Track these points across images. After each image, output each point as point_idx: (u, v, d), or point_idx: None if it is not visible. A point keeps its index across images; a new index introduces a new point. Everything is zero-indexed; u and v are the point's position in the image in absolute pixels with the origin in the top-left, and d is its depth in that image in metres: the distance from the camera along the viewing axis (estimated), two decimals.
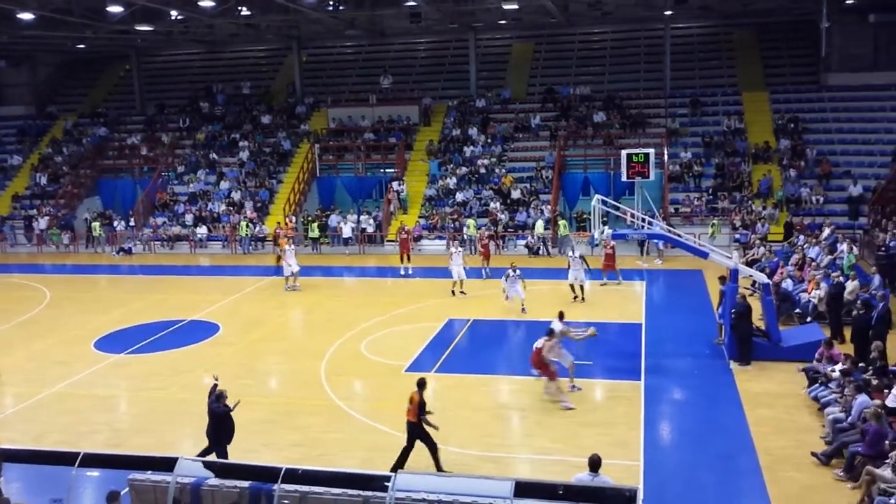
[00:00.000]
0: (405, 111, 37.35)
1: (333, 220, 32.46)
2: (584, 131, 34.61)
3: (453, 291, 23.04)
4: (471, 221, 30.62)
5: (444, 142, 35.92)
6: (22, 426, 14.51)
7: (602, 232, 18.83)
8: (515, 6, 31.26)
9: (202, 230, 33.13)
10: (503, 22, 37.37)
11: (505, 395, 15.25)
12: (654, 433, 12.91)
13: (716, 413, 13.67)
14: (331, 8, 31.28)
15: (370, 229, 32.05)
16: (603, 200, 19.58)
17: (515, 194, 32.18)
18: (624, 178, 28.63)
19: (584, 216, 29.08)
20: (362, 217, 32.61)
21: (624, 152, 28.52)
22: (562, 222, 29.54)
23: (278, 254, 27.56)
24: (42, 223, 34.47)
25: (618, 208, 21.63)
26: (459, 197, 32.82)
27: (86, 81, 44.39)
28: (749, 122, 33.79)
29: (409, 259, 26.80)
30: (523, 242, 29.93)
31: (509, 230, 30.73)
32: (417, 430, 11.51)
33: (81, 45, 38.72)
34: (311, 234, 31.63)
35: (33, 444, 12.93)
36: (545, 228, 29.62)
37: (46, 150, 39.14)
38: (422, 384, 11.76)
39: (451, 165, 34.37)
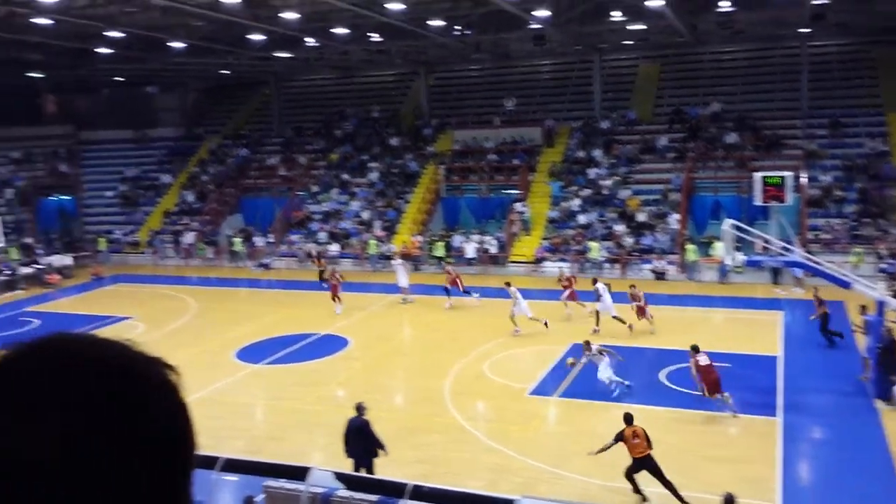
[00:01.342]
0: (528, 133, 37.58)
1: (457, 240, 33.02)
2: (715, 153, 33.57)
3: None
4: (594, 244, 30.32)
5: (567, 163, 35.82)
6: None
7: (734, 258, 18.23)
8: (642, 27, 30.87)
9: (334, 247, 34.51)
10: (629, 42, 36.94)
11: None
12: (791, 472, 12.37)
13: (859, 454, 12.93)
14: (457, 33, 32.05)
15: (493, 250, 32.36)
16: (735, 225, 18.96)
17: (641, 217, 31.61)
18: (758, 202, 27.50)
19: (714, 241, 28.17)
20: (485, 238, 32.98)
21: (758, 175, 27.39)
22: (690, 247, 28.72)
23: (321, 269, 30.17)
24: (189, 238, 36.99)
25: (750, 233, 20.87)
26: (582, 219, 32.59)
27: (230, 105, 47.35)
28: (895, 144, 31.71)
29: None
30: (649, 267, 29.31)
31: (634, 254, 30.19)
32: (650, 462, 11.47)
33: (226, 71, 41.41)
34: (435, 253, 32.30)
35: None
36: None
37: (194, 169, 41.99)
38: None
39: (575, 187, 34.21)
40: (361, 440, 12.14)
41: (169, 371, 0.93)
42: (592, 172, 34.68)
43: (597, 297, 21.40)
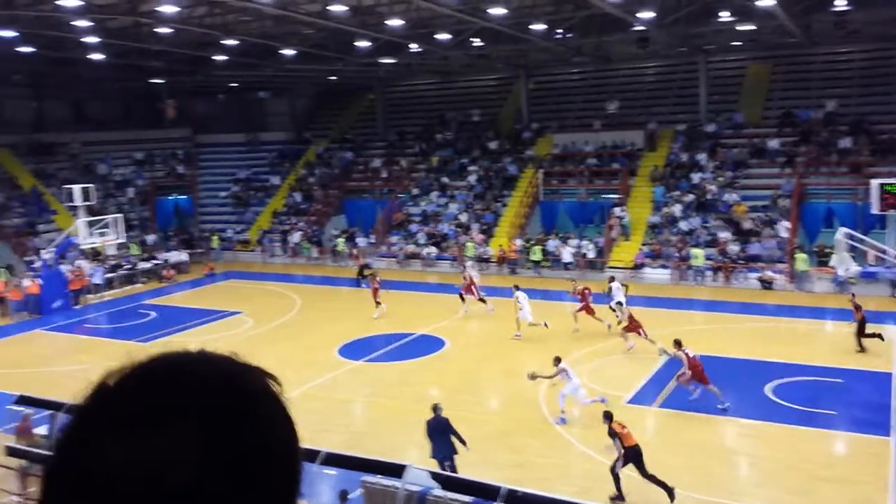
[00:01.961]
0: (630, 136, 36.98)
1: (551, 244, 32.88)
2: (828, 158, 32.05)
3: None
4: (698, 251, 29.55)
5: (669, 167, 35.04)
6: None
7: (847, 269, 17.45)
8: (752, 27, 29.85)
9: (432, 249, 35.06)
10: (737, 43, 35.75)
11: (733, 438, 14.62)
12: None
13: None
14: (559, 37, 31.93)
15: (591, 255, 32.05)
16: (849, 234, 18.13)
17: (747, 224, 30.55)
18: (874, 210, 26.14)
19: (827, 250, 26.92)
20: (583, 242, 32.70)
21: (875, 182, 26.07)
22: (800, 256, 27.55)
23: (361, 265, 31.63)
24: (295, 237, 38.42)
25: (865, 243, 19.88)
26: (684, 225, 31.80)
27: (336, 110, 48.81)
28: None
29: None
30: (755, 276, 28.28)
31: (739, 262, 29.21)
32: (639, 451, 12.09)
33: (333, 77, 42.74)
34: (532, 258, 32.29)
35: None
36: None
37: (301, 171, 43.56)
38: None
39: (677, 192, 33.42)
40: (445, 439, 12.56)
41: (270, 380, 0.96)
42: (696, 177, 33.79)
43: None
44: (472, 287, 25.39)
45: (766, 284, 27.58)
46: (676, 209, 32.60)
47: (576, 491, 12.05)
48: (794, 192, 30.83)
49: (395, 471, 10.21)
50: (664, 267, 30.01)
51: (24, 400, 15.27)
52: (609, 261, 31.71)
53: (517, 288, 22.12)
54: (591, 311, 22.45)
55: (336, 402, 17.39)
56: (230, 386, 0.91)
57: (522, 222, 35.61)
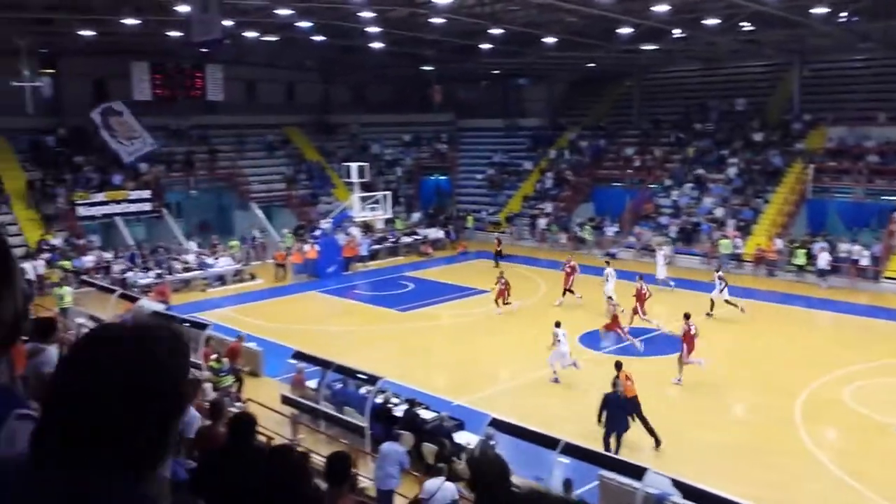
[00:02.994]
0: None
1: (817, 247, 30.25)
2: None
3: None
4: None
5: None
6: (512, 401, 17.11)
7: None
8: None
9: (667, 248, 33.84)
10: None
11: None
12: None
13: None
14: (842, 20, 29.05)
15: (864, 262, 29.08)
16: None
17: None
18: None
19: None
20: (855, 247, 29.72)
21: None
22: None
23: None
24: (542, 222, 39.22)
25: None
26: None
27: (591, 97, 48.66)
28: None
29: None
30: None
31: None
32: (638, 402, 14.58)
33: (591, 64, 42.65)
34: (795, 261, 30.04)
35: (519, 419, 14.24)
36: None
37: (553, 157, 44.20)
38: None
39: None
40: (621, 414, 13.95)
41: (173, 338, 1.43)
42: None
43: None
44: (504, 292, 24.97)
45: None
46: None
47: None
48: None
49: (635, 472, 10.38)
50: None
51: (299, 355, 17.55)
52: (886, 270, 28.59)
53: (558, 325, 19.89)
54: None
55: (574, 390, 17.75)
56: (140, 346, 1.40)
57: (785, 221, 33.19)
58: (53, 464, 1.32)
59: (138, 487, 1.36)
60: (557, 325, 19.05)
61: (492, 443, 12.48)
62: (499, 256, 33.40)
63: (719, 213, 34.89)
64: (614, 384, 14.29)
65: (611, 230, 36.89)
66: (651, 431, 14.42)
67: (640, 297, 23.29)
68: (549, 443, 11.96)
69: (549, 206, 40.34)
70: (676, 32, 32.15)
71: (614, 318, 21.67)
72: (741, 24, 30.49)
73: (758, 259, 31.36)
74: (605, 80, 47.48)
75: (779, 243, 31.34)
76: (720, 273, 25.71)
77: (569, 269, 26.90)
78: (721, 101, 41.89)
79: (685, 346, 18.39)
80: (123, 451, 1.34)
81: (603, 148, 43.00)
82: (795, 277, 29.63)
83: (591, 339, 21.86)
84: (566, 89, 49.91)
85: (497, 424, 12.67)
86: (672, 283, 28.53)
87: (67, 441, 1.33)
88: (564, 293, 26.60)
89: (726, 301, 24.45)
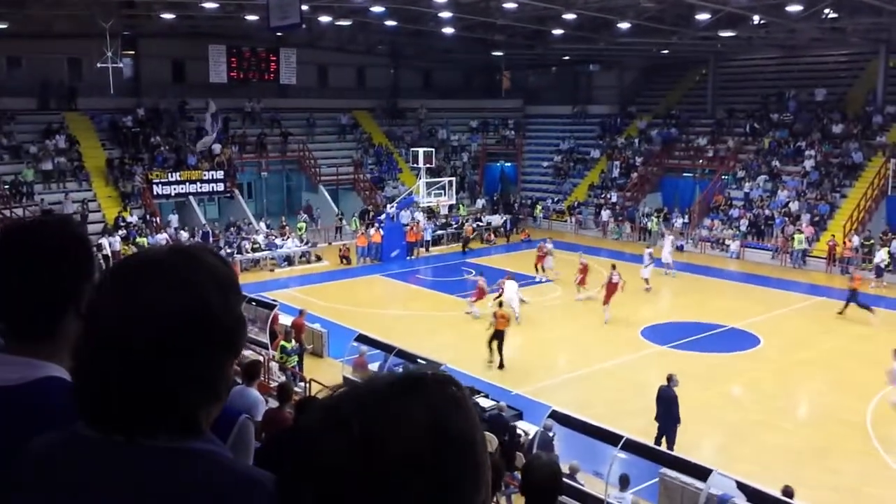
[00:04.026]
0: None
1: (894, 245, 28.99)
2: None
3: None
4: None
5: None
6: (572, 393, 17.00)
7: None
8: None
9: (734, 244, 33.01)
10: None
11: None
12: None
13: None
14: None
15: None
16: None
17: None
18: None
19: None
20: None
21: None
22: None
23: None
24: (607, 212, 38.63)
25: None
26: None
27: (664, 85, 47.56)
28: None
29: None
30: None
31: None
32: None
33: (665, 51, 41.68)
34: (876, 261, 28.87)
35: (579, 412, 14.08)
36: None
37: (622, 145, 43.46)
38: None
39: None
40: (669, 411, 13.37)
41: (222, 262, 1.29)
42: None
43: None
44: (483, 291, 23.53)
45: None
46: None
47: None
48: None
49: (699, 472, 10.24)
50: None
51: (361, 338, 17.85)
52: None
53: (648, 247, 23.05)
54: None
55: (636, 385, 17.52)
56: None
57: (863, 217, 31.93)
58: (111, 429, 1.17)
59: (224, 459, 1.22)
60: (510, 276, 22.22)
61: (550, 434, 12.47)
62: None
63: (794, 206, 33.79)
64: (669, 378, 13.88)
65: (679, 221, 36.13)
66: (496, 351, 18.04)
67: (610, 286, 22.67)
68: (609, 438, 11.88)
69: (613, 196, 39.76)
70: (756, 19, 31.15)
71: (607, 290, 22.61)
72: (825, 10, 29.34)
73: (831, 256, 30.29)
74: (679, 67, 46.34)
75: (855, 240, 30.20)
76: (650, 250, 27.14)
77: (541, 254, 28.31)
78: (800, 90, 40.42)
79: (605, 291, 22.07)
80: (185, 404, 1.19)
81: (674, 137, 42.06)
82: (875, 277, 28.52)
83: (653, 333, 21.54)
84: (637, 76, 48.91)
85: (557, 416, 12.64)
86: (674, 271, 28.75)
87: (115, 399, 1.16)
88: (538, 271, 28.09)
89: (644, 278, 25.82)
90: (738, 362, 19.07)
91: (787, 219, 33.12)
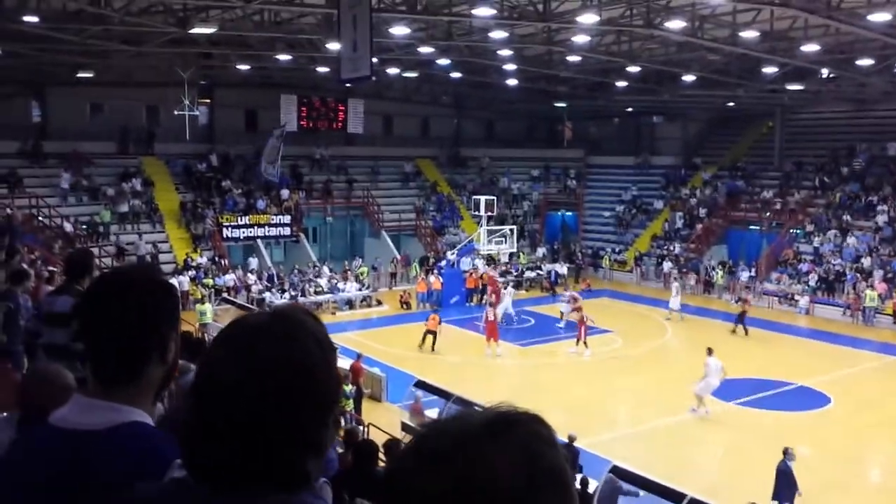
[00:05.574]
0: None
1: None
2: None
3: None
4: None
5: None
6: (634, 448, 16.67)
7: None
8: None
9: (804, 299, 32.06)
10: None
11: None
12: None
13: None
14: None
15: None
16: None
17: None
18: None
19: None
20: None
21: None
22: None
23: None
24: (669, 263, 38.00)
25: None
26: None
27: (729, 136, 47.01)
28: None
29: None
30: None
31: None
32: None
33: (731, 104, 41.37)
34: None
35: (642, 469, 13.78)
36: None
37: (686, 197, 42.94)
38: None
39: None
40: (787, 485, 12.83)
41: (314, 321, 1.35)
42: None
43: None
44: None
45: None
46: None
47: None
48: None
49: None
50: None
51: (420, 384, 17.94)
52: None
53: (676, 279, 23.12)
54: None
55: (697, 441, 17.12)
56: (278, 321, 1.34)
57: None
58: (221, 487, 1.22)
59: None
60: (710, 352, 19.27)
61: (618, 485, 12.25)
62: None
63: (866, 262, 32.74)
64: (785, 452, 13.30)
65: (744, 274, 35.35)
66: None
67: (581, 322, 24.72)
68: (673, 496, 11.63)
69: (676, 247, 39.21)
70: (825, 72, 30.77)
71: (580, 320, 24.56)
72: None
73: None
74: (745, 119, 45.86)
75: None
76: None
77: (576, 306, 27.36)
78: (871, 144, 39.47)
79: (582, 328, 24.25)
80: (292, 458, 1.24)
81: (740, 189, 41.42)
82: None
83: (718, 389, 20.96)
84: (702, 127, 48.55)
85: (618, 472, 12.43)
86: (682, 314, 29.92)
87: (227, 454, 1.21)
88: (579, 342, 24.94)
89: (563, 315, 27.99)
90: (806, 421, 18.41)
91: (858, 275, 32.09)
